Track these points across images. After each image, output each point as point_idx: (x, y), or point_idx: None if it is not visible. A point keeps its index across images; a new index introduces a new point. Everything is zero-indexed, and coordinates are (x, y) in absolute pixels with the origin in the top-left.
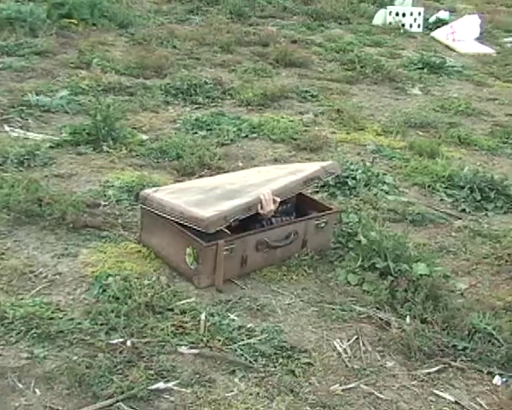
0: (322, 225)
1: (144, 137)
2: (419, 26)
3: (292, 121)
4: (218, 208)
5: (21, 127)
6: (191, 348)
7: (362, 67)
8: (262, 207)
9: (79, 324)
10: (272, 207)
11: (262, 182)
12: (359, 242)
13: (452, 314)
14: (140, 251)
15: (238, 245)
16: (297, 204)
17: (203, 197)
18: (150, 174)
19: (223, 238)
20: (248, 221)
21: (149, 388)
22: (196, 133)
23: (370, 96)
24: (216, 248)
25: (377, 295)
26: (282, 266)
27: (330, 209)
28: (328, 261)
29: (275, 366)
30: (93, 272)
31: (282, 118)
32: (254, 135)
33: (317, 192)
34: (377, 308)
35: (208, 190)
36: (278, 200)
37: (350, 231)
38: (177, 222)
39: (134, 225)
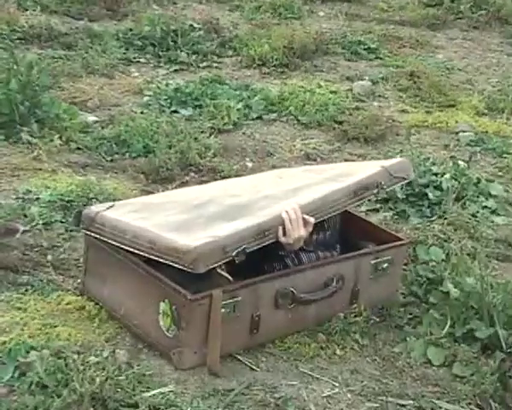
0: (385, 265)
1: (91, 118)
2: None
3: (335, 93)
4: (213, 234)
5: None
6: None
7: (453, 0)
8: (285, 234)
9: None
10: (302, 232)
11: (284, 193)
12: (447, 294)
13: None
14: (83, 308)
15: (246, 298)
16: (343, 230)
17: (187, 217)
18: (100, 180)
19: (220, 286)
20: (262, 257)
21: None
22: (176, 112)
23: (467, 51)
24: (209, 302)
25: (478, 383)
26: (317, 334)
27: (398, 239)
28: (395, 326)
29: None
30: (4, 343)
31: (319, 87)
32: (273, 116)
33: (377, 211)
34: (478, 406)
35: (196, 205)
36: (312, 221)
37: (431, 275)
38: (144, 258)
39: (73, 264)
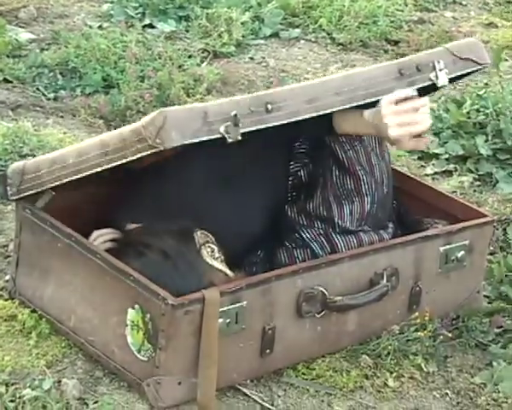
0: (460, 254)
1: (24, 35)
2: None
3: None
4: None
5: None
6: None
7: None
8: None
9: None
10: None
11: None
12: None
13: None
14: (13, 317)
15: (254, 302)
16: (398, 202)
17: None
18: (38, 128)
19: (214, 284)
20: (278, 242)
21: None
22: (152, 27)
23: None
24: (200, 308)
25: None
26: (360, 356)
27: (481, 216)
28: (475, 344)
29: None
30: None
31: None
32: (294, 33)
33: (449, 174)
34: None
35: None
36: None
37: None
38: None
39: None
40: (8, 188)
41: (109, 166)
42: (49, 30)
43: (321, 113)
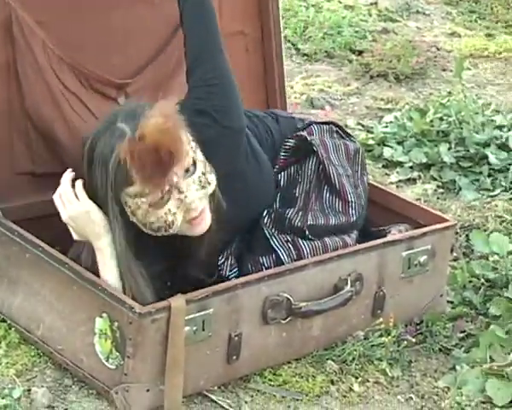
0: (423, 258)
1: None
2: None
3: (351, 8)
4: None
5: None
6: None
7: None
8: None
9: None
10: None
11: None
12: None
13: None
14: None
15: (220, 309)
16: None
17: None
18: None
19: (182, 291)
20: (245, 249)
21: None
22: None
23: None
24: (167, 316)
25: None
26: (325, 362)
27: (443, 221)
28: (439, 349)
29: None
30: None
31: (329, 0)
32: None
33: (413, 182)
34: None
35: None
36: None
37: (492, 275)
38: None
39: None
40: None
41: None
42: None
43: None
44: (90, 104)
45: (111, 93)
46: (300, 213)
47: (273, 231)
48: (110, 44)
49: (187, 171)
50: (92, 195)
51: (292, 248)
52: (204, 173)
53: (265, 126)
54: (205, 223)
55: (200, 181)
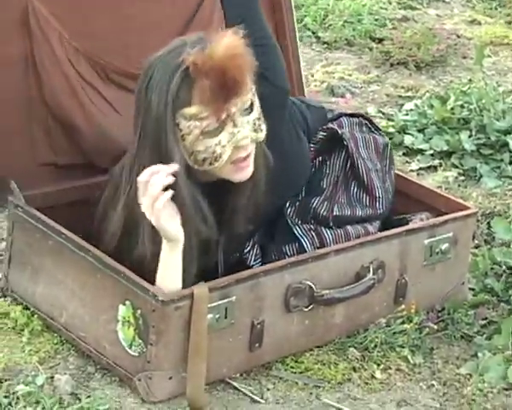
0: (445, 246)
1: None
2: None
3: None
4: None
5: None
6: None
7: None
8: None
9: None
10: None
11: None
12: None
13: None
14: (6, 315)
15: (243, 297)
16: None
17: None
18: None
19: (206, 279)
20: (269, 237)
21: None
22: None
23: None
24: (189, 304)
25: None
26: (347, 349)
27: (464, 209)
28: (461, 336)
29: None
30: None
31: None
32: None
33: (434, 169)
34: None
35: None
36: None
37: None
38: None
39: None
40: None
41: None
42: None
43: None
44: (107, 95)
45: (128, 84)
46: (326, 203)
47: (296, 220)
48: (126, 35)
49: (245, 109)
50: (144, 123)
51: (315, 237)
52: (259, 118)
53: (302, 115)
54: (248, 170)
55: (255, 124)
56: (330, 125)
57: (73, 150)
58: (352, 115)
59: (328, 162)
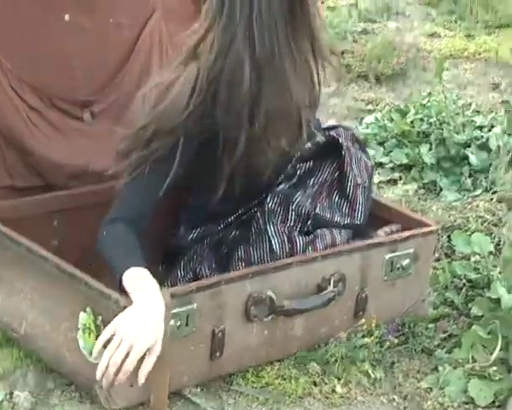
0: (405, 262)
1: None
2: None
3: (332, 10)
4: None
5: None
6: None
7: None
8: None
9: None
10: None
11: None
12: (497, 302)
13: None
14: None
15: (204, 305)
16: None
17: None
18: None
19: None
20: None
21: None
22: None
23: None
24: None
25: None
26: (308, 363)
27: (424, 225)
28: (421, 350)
29: None
30: None
31: None
32: None
33: (394, 183)
34: None
35: None
36: None
37: (473, 276)
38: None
39: None
40: None
41: None
42: None
43: None
44: (55, 123)
45: (75, 111)
46: (310, 200)
47: (273, 217)
48: (69, 64)
49: None
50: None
51: (286, 240)
52: None
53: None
54: None
55: None
56: (329, 132)
57: (29, 172)
58: (346, 128)
59: (319, 166)
